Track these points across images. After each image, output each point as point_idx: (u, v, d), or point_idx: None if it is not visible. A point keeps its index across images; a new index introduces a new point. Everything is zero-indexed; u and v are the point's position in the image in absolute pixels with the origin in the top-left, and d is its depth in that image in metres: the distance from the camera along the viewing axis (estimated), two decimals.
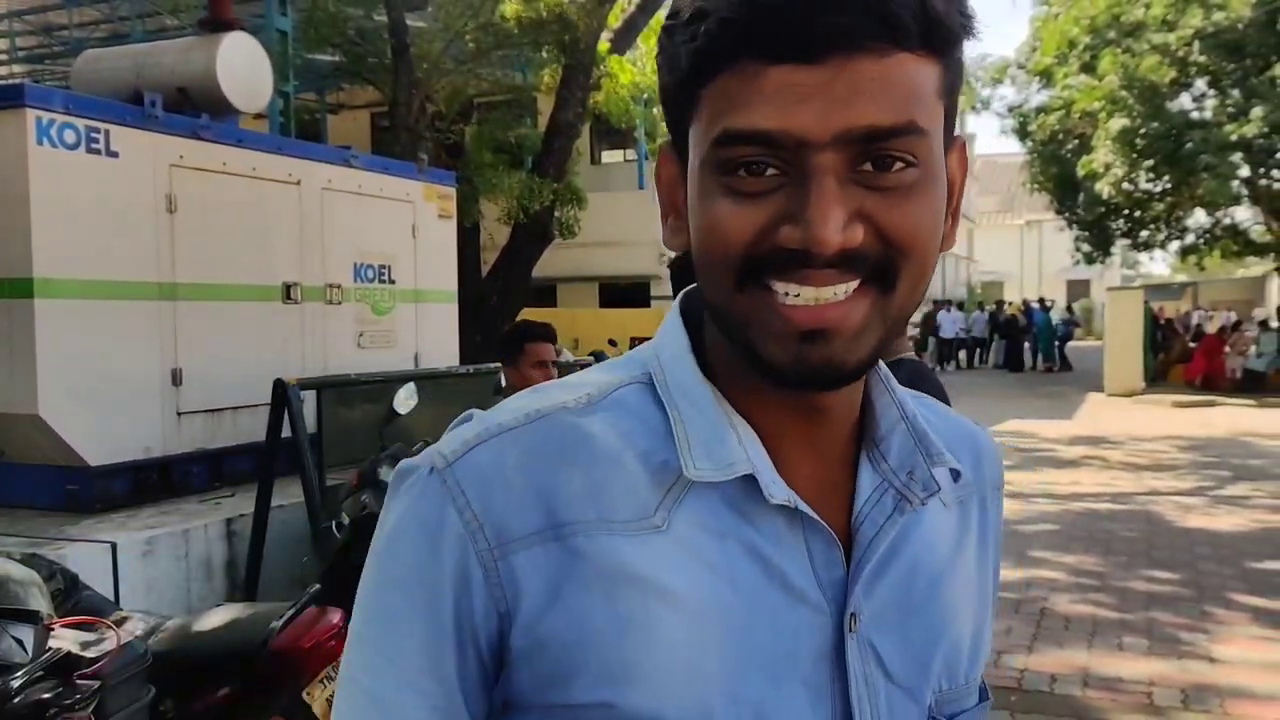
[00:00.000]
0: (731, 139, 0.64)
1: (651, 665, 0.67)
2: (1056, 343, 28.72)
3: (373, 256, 7.22)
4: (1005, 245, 54.11)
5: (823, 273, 0.64)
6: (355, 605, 0.74)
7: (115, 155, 5.20)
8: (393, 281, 7.41)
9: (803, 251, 0.63)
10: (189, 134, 5.67)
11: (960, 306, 35.10)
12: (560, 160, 11.23)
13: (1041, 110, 23.33)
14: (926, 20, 0.62)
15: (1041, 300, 30.42)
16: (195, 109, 6.00)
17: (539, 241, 11.69)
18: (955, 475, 0.79)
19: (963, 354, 31.21)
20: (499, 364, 4.22)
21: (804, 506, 0.71)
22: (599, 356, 9.98)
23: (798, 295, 0.65)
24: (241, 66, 6.33)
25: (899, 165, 0.64)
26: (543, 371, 4.07)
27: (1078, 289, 52.70)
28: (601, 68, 11.93)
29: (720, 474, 0.70)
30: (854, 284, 0.65)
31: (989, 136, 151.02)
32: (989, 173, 57.65)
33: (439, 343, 7.94)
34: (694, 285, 0.74)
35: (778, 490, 0.70)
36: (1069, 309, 30.64)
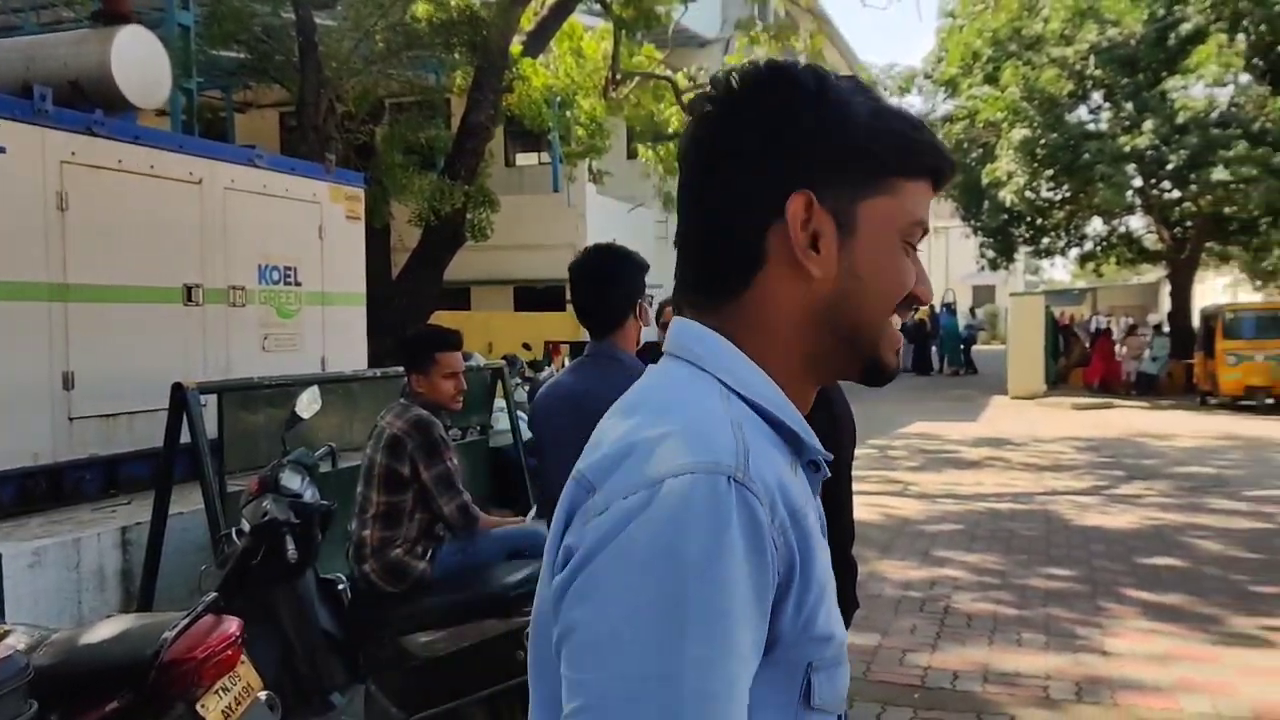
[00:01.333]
0: (918, 225, 0.98)
1: (832, 602, 0.92)
2: (962, 347, 29.45)
3: (278, 258, 7.07)
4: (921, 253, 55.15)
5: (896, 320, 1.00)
6: (656, 615, 0.78)
7: (2, 150, 5.00)
8: (299, 284, 7.27)
9: (920, 298, 1.00)
10: (82, 129, 5.48)
11: None
12: (472, 162, 11.14)
13: (947, 119, 23.93)
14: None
15: (946, 304, 31.18)
16: (89, 104, 5.80)
17: (450, 244, 11.58)
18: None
19: None
20: (404, 369, 4.17)
21: (827, 472, 0.99)
22: (512, 361, 9.91)
23: (898, 325, 1.01)
24: (138, 61, 6.14)
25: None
26: (453, 381, 4.02)
27: (983, 294, 54.07)
28: (514, 70, 11.88)
29: (821, 454, 0.97)
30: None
31: None
32: None
33: (347, 346, 7.81)
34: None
35: (828, 468, 0.99)
36: (972, 313, 31.44)
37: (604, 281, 2.81)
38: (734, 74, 0.98)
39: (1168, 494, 10.06)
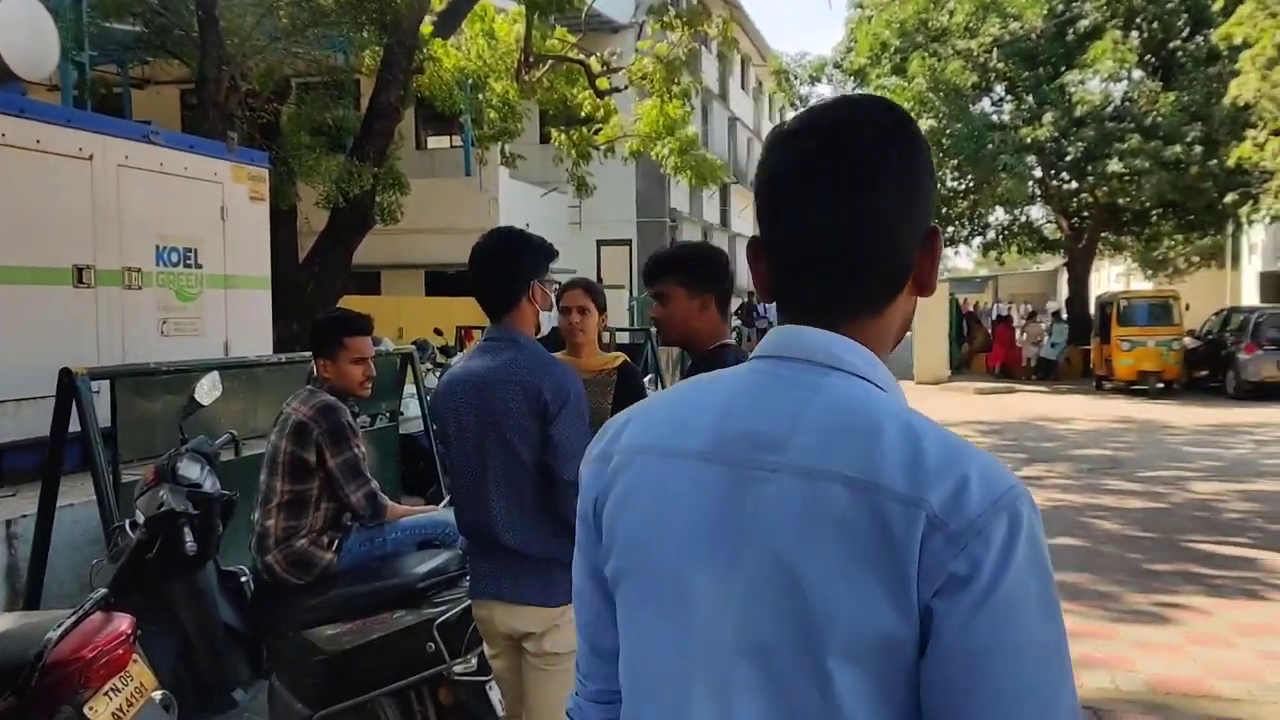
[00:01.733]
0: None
1: None
2: None
3: (177, 239, 6.80)
4: None
5: None
6: (1043, 619, 0.90)
7: None
8: (200, 266, 7.01)
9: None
10: None
11: None
12: (381, 144, 10.88)
13: None
14: None
15: None
16: None
17: (359, 227, 11.31)
18: None
19: None
20: (311, 354, 4.03)
21: None
22: (422, 346, 9.73)
23: None
24: (21, 30, 5.83)
25: None
26: (362, 367, 3.90)
27: None
28: (424, 50, 11.65)
29: None
30: None
31: None
32: None
33: (251, 331, 7.56)
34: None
35: None
36: None
37: (497, 263, 2.84)
38: (866, 102, 1.05)
39: (1068, 476, 10.38)
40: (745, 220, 40.41)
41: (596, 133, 17.35)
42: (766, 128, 45.69)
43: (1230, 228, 25.54)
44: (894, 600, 0.86)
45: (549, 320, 4.70)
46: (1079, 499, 9.13)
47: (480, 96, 15.45)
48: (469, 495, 2.79)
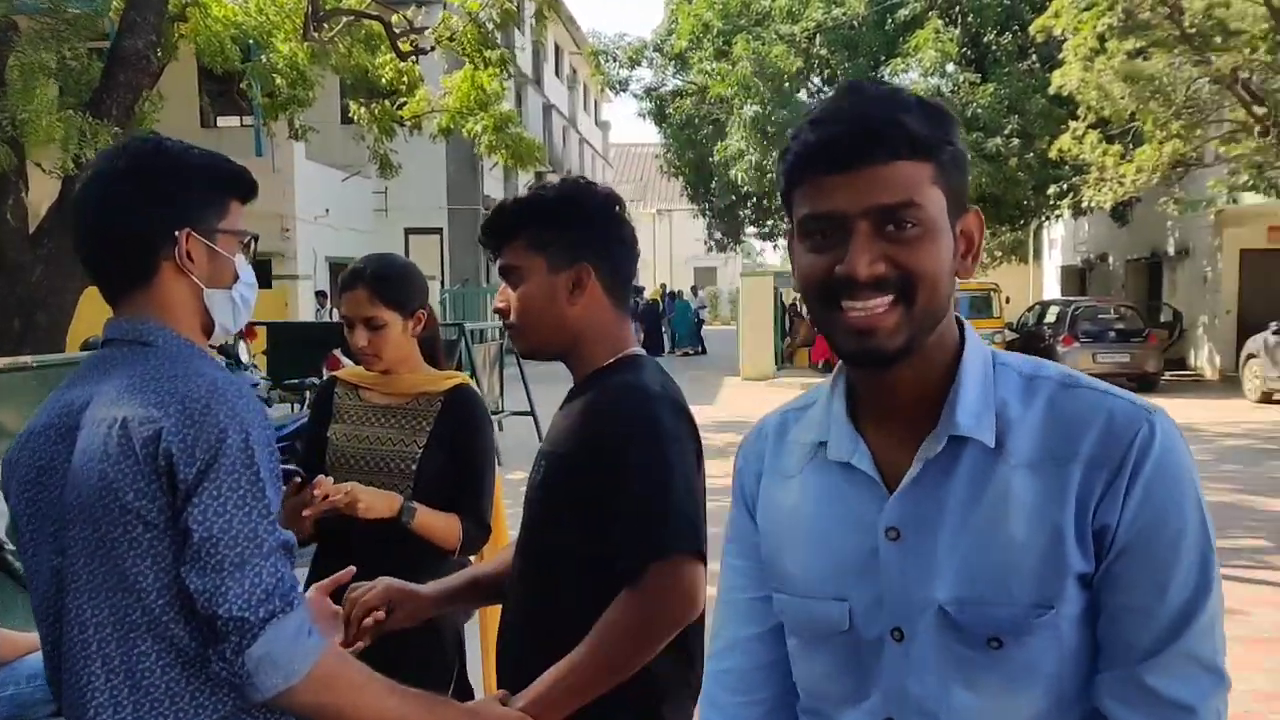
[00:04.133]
0: (807, 219, 1.11)
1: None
2: (696, 324, 29.53)
3: None
4: (640, 232, 55.23)
5: (865, 293, 1.07)
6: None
7: None
8: None
9: (847, 278, 1.06)
10: None
11: None
12: (127, 99, 8.94)
13: (678, 94, 23.44)
14: (912, 142, 1.06)
15: (664, 287, 31.09)
16: None
17: None
18: (992, 443, 1.09)
19: None
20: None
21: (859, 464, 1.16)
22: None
23: (855, 308, 1.08)
24: None
25: (908, 225, 1.07)
26: None
27: (705, 276, 55.20)
28: None
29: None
30: (887, 299, 1.07)
31: (627, 123, 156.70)
32: (624, 161, 59.00)
33: None
34: None
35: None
36: (694, 292, 31.35)
37: (111, 200, 1.47)
38: None
39: None
40: None
41: (401, 106, 15.65)
42: (583, 117, 44.58)
43: (1035, 223, 26.22)
44: None
45: None
46: None
47: (264, 59, 13.50)
48: (48, 656, 1.40)
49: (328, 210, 22.57)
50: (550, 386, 17.79)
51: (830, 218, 1.07)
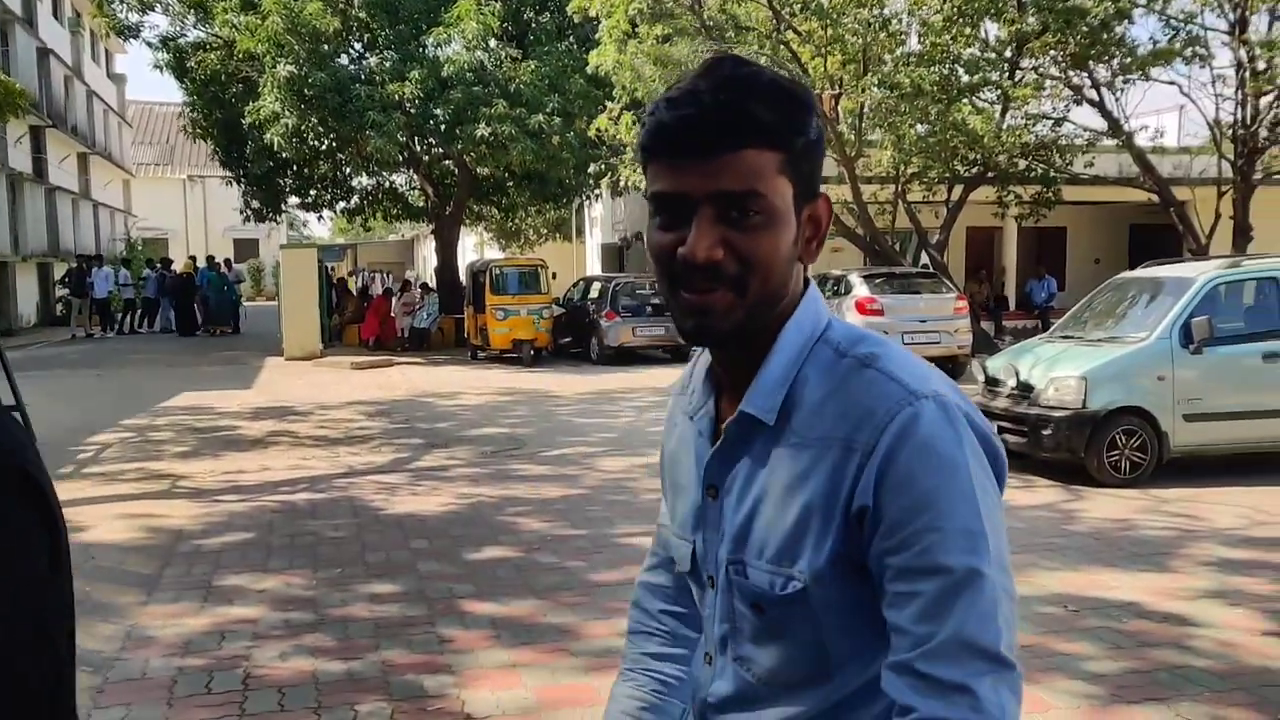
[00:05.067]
0: (656, 197, 1.11)
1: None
2: (234, 303, 27.24)
3: None
4: (167, 200, 50.54)
5: (702, 282, 1.09)
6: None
7: None
8: None
9: (685, 259, 1.08)
10: None
11: (126, 264, 31.33)
12: None
13: (201, 46, 21.17)
14: (762, 131, 1.06)
15: (211, 259, 28.37)
16: None
17: None
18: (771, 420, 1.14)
19: (122, 316, 27.89)
20: None
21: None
22: None
23: (688, 295, 1.10)
24: None
25: (752, 214, 1.08)
26: None
27: (247, 248, 51.48)
28: None
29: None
30: (722, 287, 1.09)
31: (150, 78, 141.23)
32: (147, 121, 53.53)
33: None
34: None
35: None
36: (228, 265, 28.61)
37: None
38: None
39: (473, 462, 9.30)
40: (66, 172, 34.22)
41: None
42: (91, 67, 39.28)
43: (577, 202, 27.19)
44: None
45: None
46: (494, 492, 8.04)
47: None
48: None
49: None
50: (48, 379, 15.25)
51: (676, 198, 1.09)
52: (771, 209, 1.07)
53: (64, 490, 8.21)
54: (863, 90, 15.39)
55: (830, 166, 17.46)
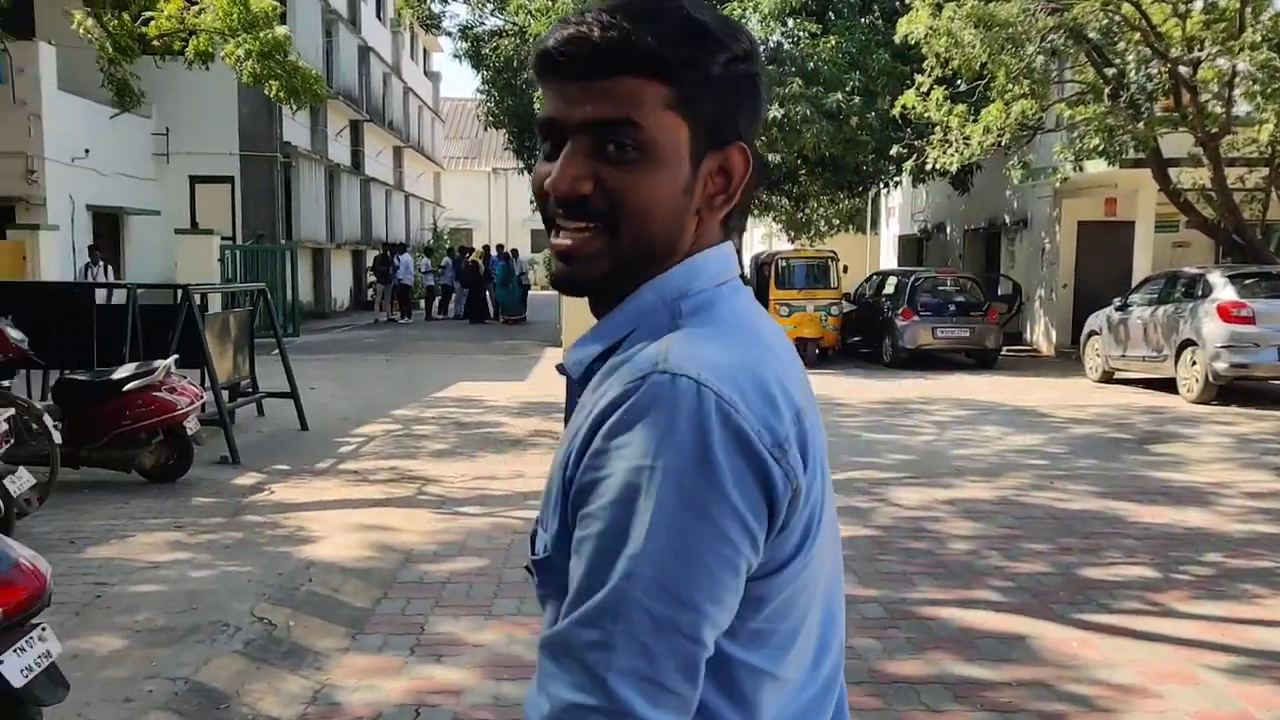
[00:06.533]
0: (538, 123, 1.06)
1: None
2: (521, 293, 27.50)
3: None
4: (473, 192, 53.04)
5: (567, 216, 1.02)
6: None
7: None
8: None
9: (550, 190, 1.02)
10: None
11: (429, 252, 32.64)
12: None
13: (497, 34, 21.23)
14: (644, 58, 0.98)
15: (500, 248, 28.82)
16: None
17: None
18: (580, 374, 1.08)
19: (425, 303, 28.96)
20: None
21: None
22: None
23: (556, 236, 1.04)
24: None
25: (627, 147, 0.99)
26: None
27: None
28: None
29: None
30: (589, 226, 1.01)
31: (462, 77, 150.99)
32: (458, 116, 56.31)
33: None
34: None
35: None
36: (515, 254, 28.89)
37: None
38: None
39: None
40: (382, 164, 36.25)
41: (146, 23, 13.00)
42: (409, 65, 41.54)
43: (874, 190, 25.30)
44: None
45: None
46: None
47: None
48: None
49: (87, 151, 19.46)
50: (320, 362, 15.40)
51: (552, 124, 1.03)
52: (650, 144, 0.99)
53: (312, 491, 7.67)
54: (1236, 51, 12.69)
55: (1182, 145, 14.76)
